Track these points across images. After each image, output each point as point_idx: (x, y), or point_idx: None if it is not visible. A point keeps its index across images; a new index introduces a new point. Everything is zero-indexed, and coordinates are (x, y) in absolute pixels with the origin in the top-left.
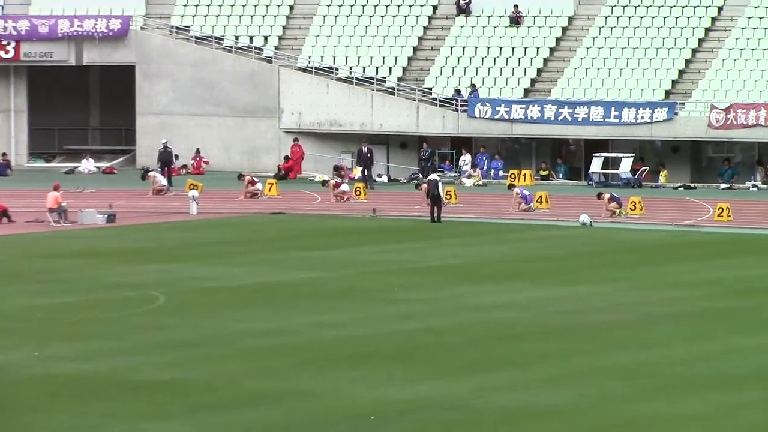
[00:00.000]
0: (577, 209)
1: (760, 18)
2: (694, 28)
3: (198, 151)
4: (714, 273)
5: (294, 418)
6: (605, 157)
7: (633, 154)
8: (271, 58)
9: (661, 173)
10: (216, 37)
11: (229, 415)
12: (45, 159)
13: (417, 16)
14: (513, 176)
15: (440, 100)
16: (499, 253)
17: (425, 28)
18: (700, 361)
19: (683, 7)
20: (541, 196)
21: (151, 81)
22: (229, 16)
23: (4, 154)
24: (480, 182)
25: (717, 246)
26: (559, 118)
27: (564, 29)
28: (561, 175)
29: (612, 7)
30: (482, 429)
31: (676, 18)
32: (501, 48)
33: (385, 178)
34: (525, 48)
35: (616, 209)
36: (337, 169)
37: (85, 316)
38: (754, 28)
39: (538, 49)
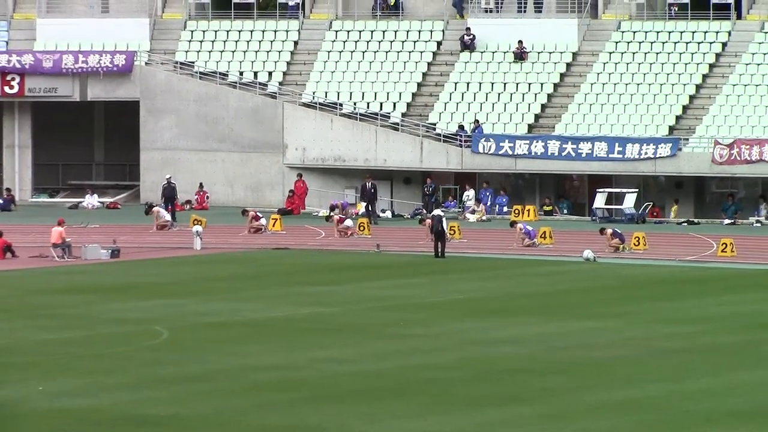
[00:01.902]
0: (580, 245)
1: (764, 54)
2: (698, 64)
3: (201, 186)
4: (718, 308)
5: None
6: (609, 193)
7: (636, 190)
8: (276, 93)
9: (672, 209)
10: (220, 73)
11: None
12: (49, 194)
13: (421, 52)
14: (516, 212)
15: (444, 136)
16: (503, 288)
17: (429, 64)
18: (706, 396)
19: (687, 43)
20: (544, 232)
21: (156, 116)
22: (233, 51)
23: (8, 189)
24: (484, 218)
25: (721, 281)
26: (563, 154)
27: (568, 65)
28: (564, 211)
29: (616, 42)
30: None
31: (680, 54)
32: (505, 84)
33: (389, 214)
34: (529, 84)
35: (618, 245)
36: (333, 208)
37: (87, 351)
38: (758, 64)
39: (542, 84)
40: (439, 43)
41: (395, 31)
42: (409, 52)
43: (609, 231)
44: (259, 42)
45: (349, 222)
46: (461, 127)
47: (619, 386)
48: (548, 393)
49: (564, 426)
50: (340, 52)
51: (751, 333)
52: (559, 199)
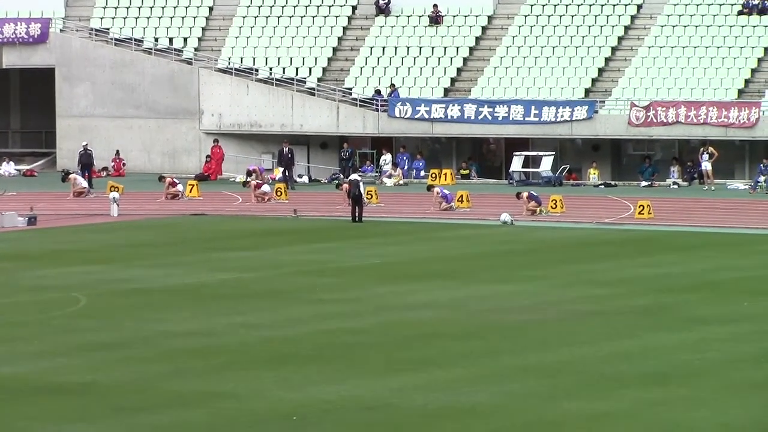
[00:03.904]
0: (498, 208)
1: (680, 16)
2: (613, 26)
3: (118, 153)
4: (635, 270)
5: (217, 419)
6: (525, 156)
7: (553, 153)
8: (191, 59)
9: (592, 171)
10: (135, 39)
11: (152, 416)
12: None
13: (336, 17)
14: (434, 176)
15: (360, 101)
16: (421, 252)
17: (345, 29)
18: (622, 359)
19: (602, 5)
20: (461, 196)
21: (71, 83)
22: (148, 17)
23: None
24: (401, 182)
25: (638, 243)
26: (480, 117)
27: (484, 28)
28: (474, 173)
29: (531, 6)
30: (404, 429)
31: (596, 16)
32: (421, 48)
33: (306, 179)
34: (445, 47)
35: (536, 208)
36: (250, 174)
37: (5, 318)
38: (673, 26)
39: (457, 48)
40: (354, 7)
41: None
42: (324, 16)
43: (525, 194)
44: (174, 8)
45: (266, 187)
46: (377, 91)
47: (534, 350)
48: (464, 357)
49: (479, 389)
50: (255, 17)
51: (667, 295)
52: (468, 161)
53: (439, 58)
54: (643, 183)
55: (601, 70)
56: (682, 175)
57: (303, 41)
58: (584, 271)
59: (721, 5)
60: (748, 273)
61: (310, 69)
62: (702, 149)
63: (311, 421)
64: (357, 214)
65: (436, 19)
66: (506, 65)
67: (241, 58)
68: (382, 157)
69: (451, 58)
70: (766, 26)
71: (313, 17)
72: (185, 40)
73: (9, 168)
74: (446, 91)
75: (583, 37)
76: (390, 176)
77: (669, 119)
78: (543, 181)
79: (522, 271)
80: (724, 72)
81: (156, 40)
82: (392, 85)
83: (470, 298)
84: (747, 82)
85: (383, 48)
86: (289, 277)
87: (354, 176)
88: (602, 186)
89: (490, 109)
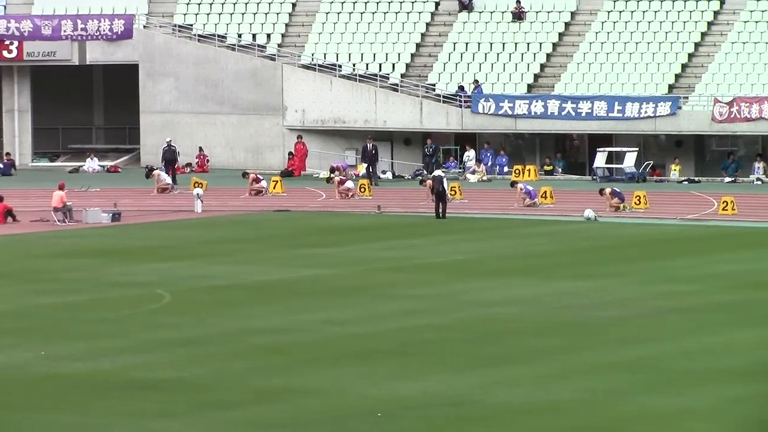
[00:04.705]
0: (581, 204)
1: (762, 11)
2: (696, 21)
3: (201, 149)
4: (718, 267)
5: (300, 415)
6: (609, 152)
7: (636, 149)
8: (274, 55)
9: (674, 167)
10: (219, 36)
11: (235, 412)
12: (49, 158)
13: (420, 13)
14: (517, 171)
15: (444, 96)
16: (504, 248)
17: (428, 25)
18: (704, 355)
19: (686, 1)
20: (545, 192)
21: (155, 79)
22: (231, 14)
23: (8, 154)
24: (484, 178)
25: (721, 239)
26: (563, 113)
27: (567, 24)
28: (560, 170)
29: (614, 1)
30: (488, 424)
31: (679, 12)
32: (504, 44)
33: (389, 175)
34: (528, 43)
35: (618, 204)
36: (334, 170)
37: (90, 315)
38: (756, 22)
39: (540, 44)
40: (437, 3)
41: None
42: (408, 12)
43: (608, 190)
44: (258, 4)
45: (349, 183)
46: (461, 87)
47: (616, 346)
48: (546, 353)
49: (562, 386)
50: (339, 13)
51: (751, 291)
52: (555, 157)
53: (522, 54)
54: (727, 179)
55: (684, 66)
56: (766, 170)
57: (386, 37)
58: (667, 268)
59: None
60: None
61: (394, 65)
62: None
63: (396, 417)
64: (440, 210)
65: (519, 15)
66: (589, 61)
67: (325, 54)
68: (466, 153)
69: (534, 54)
70: None
71: (396, 13)
72: (268, 36)
73: (93, 164)
74: (529, 87)
75: (666, 32)
76: (473, 172)
77: (752, 115)
78: (626, 177)
79: (605, 267)
80: None
81: (239, 36)
82: (475, 81)
83: (553, 294)
84: None
85: (466, 44)
86: (373, 273)
87: (437, 172)
88: (685, 182)
89: (574, 105)
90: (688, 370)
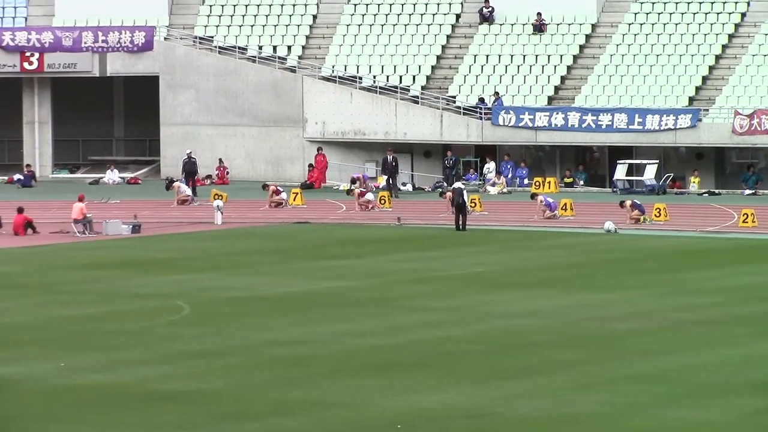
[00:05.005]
0: (601, 216)
1: None
2: (717, 34)
3: (221, 161)
4: (739, 279)
5: (320, 427)
6: (629, 164)
7: (657, 161)
8: (295, 67)
9: (693, 179)
10: (239, 47)
11: (255, 424)
12: (69, 170)
13: (440, 25)
14: (537, 184)
15: (464, 109)
16: (524, 260)
17: (449, 37)
18: (724, 367)
19: (706, 13)
20: (565, 204)
21: (175, 91)
22: (252, 26)
23: (28, 166)
24: (504, 190)
25: (741, 252)
26: (583, 125)
27: (587, 36)
28: (582, 182)
29: (635, 14)
30: None
31: (700, 24)
32: (524, 56)
33: (409, 187)
34: (548, 55)
35: (639, 216)
36: (356, 181)
37: (110, 326)
38: None
39: (561, 56)
40: (458, 16)
41: (414, 4)
42: (428, 24)
43: (628, 203)
44: (278, 16)
45: (370, 195)
46: (481, 99)
47: (637, 358)
48: (567, 365)
49: (582, 398)
50: (359, 25)
51: None
52: (576, 170)
53: (542, 66)
54: (747, 191)
55: (704, 78)
56: None
57: (407, 49)
58: (687, 280)
59: None
60: None
61: (414, 77)
62: None
63: (415, 429)
64: (460, 223)
65: (539, 27)
66: (610, 73)
67: (345, 66)
68: (486, 165)
69: (555, 66)
70: None
71: (417, 25)
72: (289, 48)
73: (113, 176)
74: (550, 99)
75: (687, 45)
76: (493, 184)
77: None
78: (647, 190)
79: (625, 279)
80: None
81: (260, 48)
82: (496, 93)
83: (573, 306)
84: None
85: (487, 56)
86: (393, 285)
87: (457, 184)
88: (706, 194)
89: (594, 117)
90: (707, 382)
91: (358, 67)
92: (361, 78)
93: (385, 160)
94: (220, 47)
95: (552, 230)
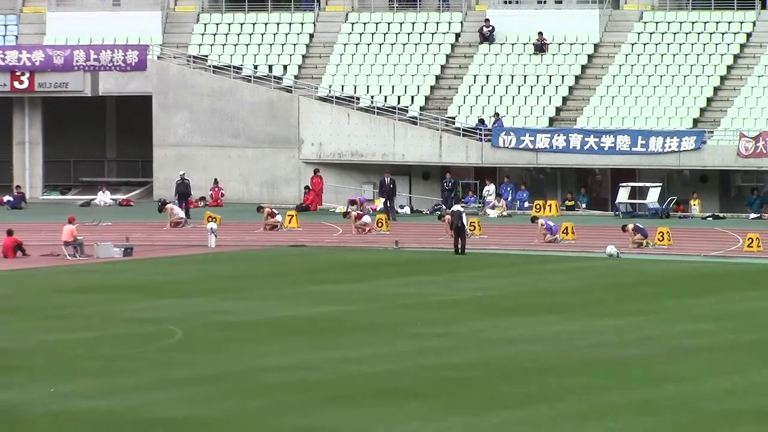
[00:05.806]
0: (603, 240)
1: None
2: (722, 55)
3: (216, 182)
4: (743, 305)
5: None
6: (632, 187)
7: (660, 184)
8: (291, 87)
9: (693, 202)
10: (234, 67)
11: None
12: (60, 191)
13: (440, 44)
14: (538, 207)
15: (463, 130)
16: (525, 285)
17: (448, 57)
18: (728, 396)
19: (711, 33)
20: (566, 227)
21: (168, 111)
22: (247, 44)
23: (18, 187)
24: (504, 213)
25: (747, 277)
26: (585, 148)
27: (590, 57)
28: (584, 205)
29: (638, 33)
30: None
31: (704, 45)
32: (525, 76)
33: (407, 209)
34: (550, 76)
35: (641, 240)
36: (353, 203)
37: (101, 351)
38: None
39: (563, 77)
40: (457, 35)
41: (413, 23)
42: (427, 44)
43: (630, 226)
44: (274, 35)
45: (367, 218)
46: (481, 120)
47: (640, 386)
48: (568, 393)
49: (584, 427)
50: (357, 44)
51: None
52: (578, 192)
53: (544, 87)
54: (752, 215)
55: (709, 100)
56: None
57: (405, 69)
58: (691, 306)
59: None
60: None
61: (413, 97)
62: None
63: None
64: (460, 246)
65: (541, 47)
66: (612, 94)
67: (342, 86)
68: (486, 188)
69: (557, 87)
70: None
71: (416, 45)
72: (285, 67)
73: (105, 197)
74: (551, 120)
75: (692, 66)
76: (493, 207)
77: None
78: (650, 213)
79: (627, 304)
80: None
81: (255, 67)
82: (496, 114)
83: (574, 332)
84: None
85: (487, 76)
86: (390, 310)
87: (456, 207)
88: (710, 218)
89: (596, 139)
90: (712, 410)
91: (355, 87)
92: (358, 98)
93: (382, 182)
94: (214, 66)
95: (553, 254)
